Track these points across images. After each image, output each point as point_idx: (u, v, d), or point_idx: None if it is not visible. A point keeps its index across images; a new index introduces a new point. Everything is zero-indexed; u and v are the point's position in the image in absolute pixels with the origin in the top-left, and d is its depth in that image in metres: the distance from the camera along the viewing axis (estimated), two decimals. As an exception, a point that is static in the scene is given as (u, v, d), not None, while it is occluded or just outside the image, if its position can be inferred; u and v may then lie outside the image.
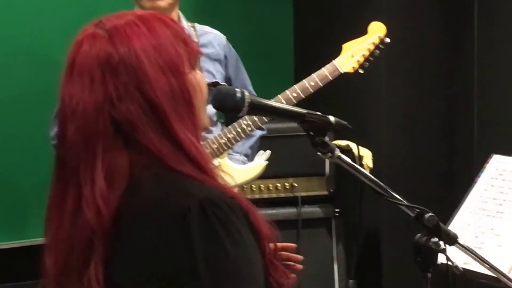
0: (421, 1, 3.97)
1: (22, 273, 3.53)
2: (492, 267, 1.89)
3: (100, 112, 1.42)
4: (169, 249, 1.37)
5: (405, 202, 1.71)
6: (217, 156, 3.09)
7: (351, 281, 3.89)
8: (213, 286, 1.34)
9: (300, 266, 1.83)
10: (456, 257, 1.78)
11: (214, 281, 1.35)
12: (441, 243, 1.70)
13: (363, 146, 3.75)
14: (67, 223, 1.44)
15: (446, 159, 4.03)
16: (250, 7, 4.52)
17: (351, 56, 3.16)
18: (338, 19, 4.07)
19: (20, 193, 4.01)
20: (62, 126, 1.47)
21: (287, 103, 2.96)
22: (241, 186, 3.35)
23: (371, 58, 3.20)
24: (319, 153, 1.70)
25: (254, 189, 3.80)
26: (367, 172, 1.75)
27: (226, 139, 3.09)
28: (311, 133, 1.68)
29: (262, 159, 3.25)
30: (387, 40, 3.21)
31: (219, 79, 3.20)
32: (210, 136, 3.08)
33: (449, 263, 1.73)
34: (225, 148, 3.10)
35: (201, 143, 1.50)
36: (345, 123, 1.72)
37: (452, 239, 1.74)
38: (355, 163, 1.74)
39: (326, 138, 1.69)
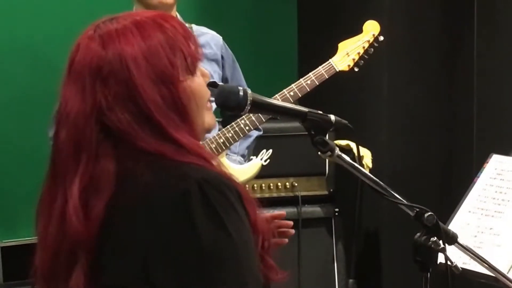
0: (422, 2, 3.98)
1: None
2: (491, 267, 1.89)
3: (88, 120, 1.43)
4: (170, 231, 1.37)
5: (405, 202, 1.72)
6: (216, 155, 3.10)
7: (351, 280, 3.90)
8: (216, 265, 1.35)
9: (292, 231, 1.88)
10: (455, 256, 1.77)
11: (216, 259, 1.36)
12: (441, 242, 1.69)
13: (363, 146, 3.76)
14: (54, 227, 1.45)
15: (445, 159, 4.04)
16: (256, 7, 4.54)
17: (347, 54, 3.20)
18: (341, 20, 4.08)
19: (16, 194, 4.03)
20: (56, 127, 1.48)
21: (285, 102, 2.97)
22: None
23: (366, 56, 3.24)
24: (319, 152, 1.70)
25: (255, 188, 3.81)
26: (367, 171, 1.75)
27: (224, 139, 3.09)
28: (312, 131, 1.69)
29: (263, 158, 3.26)
30: (381, 38, 3.26)
31: (216, 79, 3.21)
32: (209, 135, 3.09)
33: (449, 262, 1.73)
34: (223, 147, 3.11)
35: (201, 142, 1.51)
36: (346, 122, 1.73)
37: (451, 239, 1.75)
38: (355, 162, 1.74)
39: (326, 137, 1.69)
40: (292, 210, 3.81)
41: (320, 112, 1.71)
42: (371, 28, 3.25)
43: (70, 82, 1.47)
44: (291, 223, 1.88)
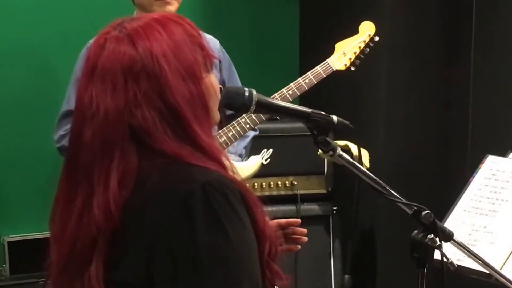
0: (421, 6, 4.01)
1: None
2: (485, 264, 1.93)
3: (121, 118, 1.43)
4: (172, 232, 1.38)
5: (403, 200, 1.74)
6: None
7: (346, 276, 3.93)
8: (214, 270, 1.36)
9: (305, 239, 1.90)
10: (450, 253, 1.80)
11: (214, 264, 1.37)
12: (437, 239, 1.73)
13: (360, 146, 3.80)
14: (74, 221, 1.45)
15: (442, 159, 4.06)
16: (257, 9, 4.56)
17: (343, 54, 3.24)
18: (342, 22, 4.11)
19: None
20: (78, 126, 1.47)
21: (283, 101, 3.01)
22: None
23: (362, 56, 3.28)
24: (319, 151, 1.73)
25: (255, 186, 3.83)
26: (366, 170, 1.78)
27: (226, 138, 3.12)
28: (315, 131, 1.72)
29: (264, 157, 3.29)
30: (377, 38, 3.31)
31: None
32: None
33: (445, 259, 1.76)
34: (224, 146, 3.14)
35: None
36: (347, 122, 1.75)
37: (448, 236, 1.78)
38: (355, 162, 1.77)
39: (329, 137, 1.73)
40: (291, 208, 3.84)
41: (323, 112, 1.74)
42: (367, 29, 3.31)
43: (94, 81, 1.45)
44: (305, 230, 1.90)
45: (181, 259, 1.37)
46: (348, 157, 1.76)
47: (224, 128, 3.14)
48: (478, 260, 1.92)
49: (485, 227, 2.45)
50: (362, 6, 4.03)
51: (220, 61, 3.30)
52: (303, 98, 3.23)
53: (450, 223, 2.48)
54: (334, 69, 3.21)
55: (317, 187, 3.96)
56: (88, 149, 1.45)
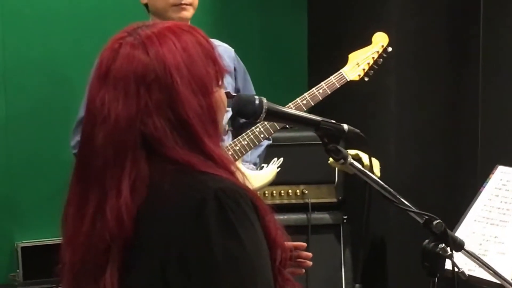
0: (429, 15, 4.01)
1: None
2: (496, 274, 1.93)
3: (132, 126, 1.44)
4: (185, 239, 1.38)
5: (414, 209, 1.74)
6: None
7: (357, 285, 3.91)
8: (229, 276, 1.37)
9: (309, 263, 1.89)
10: (461, 263, 1.81)
11: (229, 271, 1.37)
12: (448, 249, 1.73)
13: (371, 156, 3.79)
14: (86, 226, 1.46)
15: (452, 169, 4.04)
16: (267, 18, 4.58)
17: (357, 64, 3.25)
18: (350, 31, 4.13)
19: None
20: (89, 128, 1.48)
21: (298, 110, 3.02)
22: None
23: (376, 66, 3.29)
24: (330, 160, 1.75)
25: (266, 195, 3.86)
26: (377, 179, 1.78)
27: (240, 146, 3.12)
28: (325, 139, 1.72)
29: (274, 166, 3.31)
30: (390, 49, 3.31)
31: (230, 90, 3.25)
32: (225, 143, 3.13)
33: (456, 268, 1.76)
34: (239, 154, 3.14)
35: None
36: (358, 131, 1.76)
37: (459, 246, 1.78)
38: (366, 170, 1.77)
39: (340, 145, 1.73)
40: (301, 216, 3.86)
41: (333, 121, 1.74)
42: (380, 39, 3.31)
43: (107, 86, 1.46)
44: (310, 254, 1.89)
45: (195, 266, 1.38)
46: (360, 166, 1.76)
47: (239, 137, 3.15)
48: (489, 270, 1.92)
49: (495, 237, 2.45)
50: (370, 15, 4.04)
51: (235, 69, 3.32)
52: (313, 110, 3.23)
53: (460, 233, 2.48)
54: (348, 80, 3.21)
55: (328, 196, 3.98)
56: (100, 154, 1.45)
